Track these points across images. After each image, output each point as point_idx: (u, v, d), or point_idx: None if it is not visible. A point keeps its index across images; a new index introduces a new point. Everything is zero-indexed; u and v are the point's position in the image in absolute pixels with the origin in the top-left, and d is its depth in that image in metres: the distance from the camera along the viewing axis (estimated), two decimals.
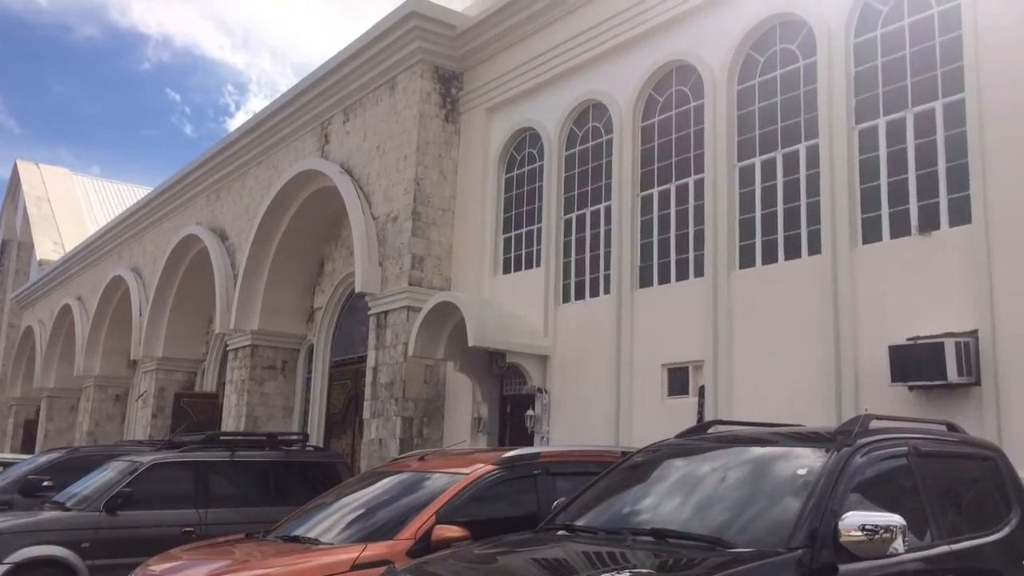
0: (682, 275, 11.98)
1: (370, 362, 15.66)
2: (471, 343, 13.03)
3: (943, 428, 5.76)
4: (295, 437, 12.37)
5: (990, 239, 8.67)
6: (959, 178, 9.14)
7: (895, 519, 4.15)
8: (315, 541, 6.47)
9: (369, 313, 15.91)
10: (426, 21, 15.51)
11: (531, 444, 12.76)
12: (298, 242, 19.78)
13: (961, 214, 9.08)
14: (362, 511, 6.79)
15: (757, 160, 11.28)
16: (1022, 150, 8.55)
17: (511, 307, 14.08)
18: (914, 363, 8.68)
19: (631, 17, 12.94)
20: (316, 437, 18.63)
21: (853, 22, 10.36)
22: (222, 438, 11.61)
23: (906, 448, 4.95)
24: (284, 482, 11.24)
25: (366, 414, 15.53)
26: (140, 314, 25.95)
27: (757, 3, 11.38)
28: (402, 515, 6.39)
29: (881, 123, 9.98)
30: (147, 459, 10.63)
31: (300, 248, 19.90)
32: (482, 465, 6.82)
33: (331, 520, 6.81)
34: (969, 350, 8.52)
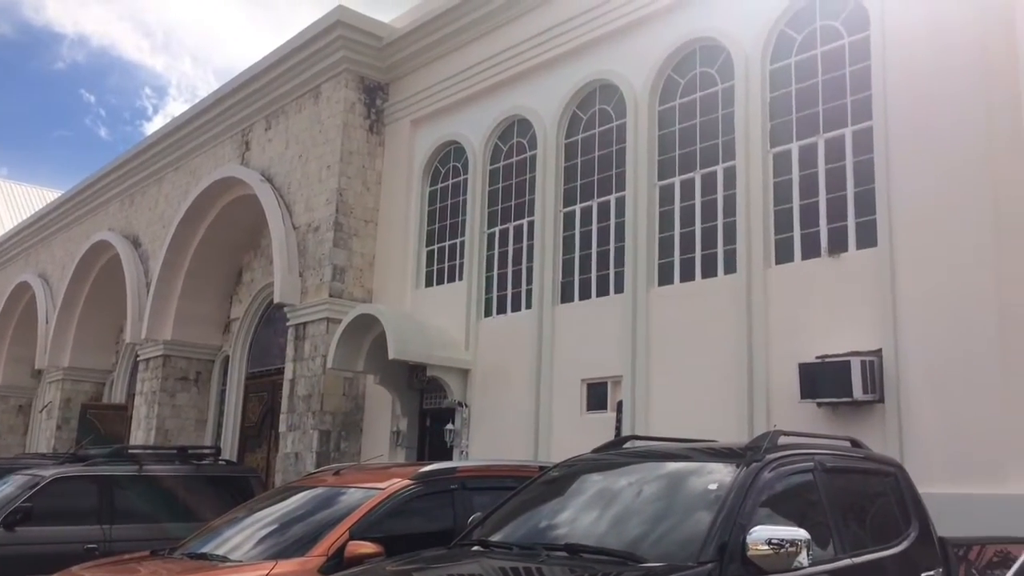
0: (602, 291, 12.12)
1: (288, 374, 15.38)
2: (391, 356, 12.93)
3: (847, 444, 5.95)
4: (207, 451, 12.02)
5: (894, 261, 9.02)
6: (866, 202, 9.49)
7: (800, 533, 4.26)
8: (223, 558, 6.29)
9: (288, 324, 15.64)
10: (352, 31, 15.41)
11: (450, 458, 12.70)
12: (215, 251, 19.33)
13: (868, 237, 9.42)
14: (273, 527, 6.63)
15: (676, 180, 11.51)
16: (924, 177, 8.93)
17: (433, 320, 14.03)
18: (822, 380, 8.96)
19: (557, 35, 13.10)
20: (229, 451, 18.19)
21: (769, 49, 10.69)
22: (130, 451, 11.23)
23: (812, 464, 5.09)
24: (194, 497, 10.90)
25: (282, 427, 15.23)
26: (46, 321, 24.96)
27: (679, 27, 11.65)
28: (315, 531, 6.27)
29: (794, 147, 10.31)
30: (49, 473, 10.19)
31: (217, 257, 19.45)
32: (398, 480, 6.74)
33: (241, 536, 6.64)
34: (873, 368, 8.83)
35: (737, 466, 4.80)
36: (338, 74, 15.79)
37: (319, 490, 6.95)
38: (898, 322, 8.89)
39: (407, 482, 6.69)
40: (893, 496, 5.57)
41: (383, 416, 14.64)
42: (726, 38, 11.07)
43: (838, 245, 9.71)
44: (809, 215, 10.05)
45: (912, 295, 8.84)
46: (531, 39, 13.44)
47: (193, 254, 19.25)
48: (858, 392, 8.73)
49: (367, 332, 13.64)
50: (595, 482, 5.37)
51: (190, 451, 11.66)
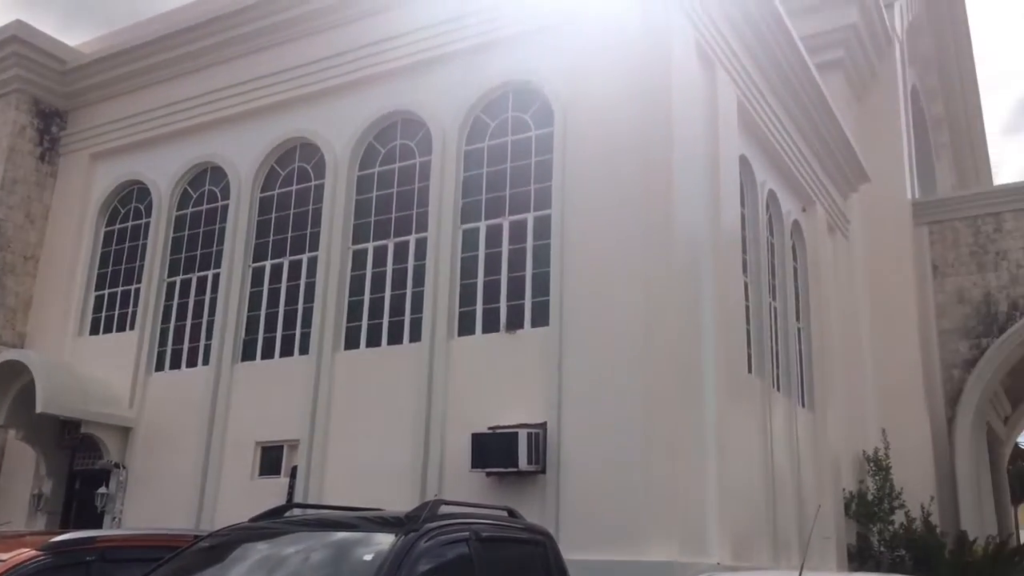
0: (287, 351, 11.79)
1: None
2: (39, 408, 11.58)
3: (504, 514, 6.19)
4: None
5: (563, 340, 9.70)
6: (542, 284, 10.16)
7: None
8: None
9: None
10: (29, 49, 14.03)
11: (100, 526, 11.51)
12: None
13: (542, 316, 10.06)
14: None
15: (370, 245, 11.60)
16: (590, 264, 9.73)
17: (95, 372, 12.79)
18: (491, 451, 9.32)
19: (259, 88, 12.82)
20: None
21: (465, 131, 11.22)
22: None
23: (468, 533, 5.22)
24: None
25: None
26: None
27: (383, 97, 11.88)
28: None
29: (482, 226, 10.83)
30: None
31: None
32: (24, 550, 5.94)
33: None
34: (538, 440, 9.35)
35: (395, 535, 4.79)
36: (8, 93, 14.24)
37: None
38: (562, 397, 9.51)
39: (34, 553, 5.91)
40: (541, 564, 5.85)
41: (23, 477, 12.98)
42: (427, 114, 11.47)
43: (516, 322, 10.26)
44: (492, 291, 10.55)
45: (575, 372, 9.52)
46: (232, 87, 13.03)
47: None
48: (523, 463, 9.17)
49: (13, 380, 12.12)
50: (250, 552, 5.10)
51: None
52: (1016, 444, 31.25)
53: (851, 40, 18.22)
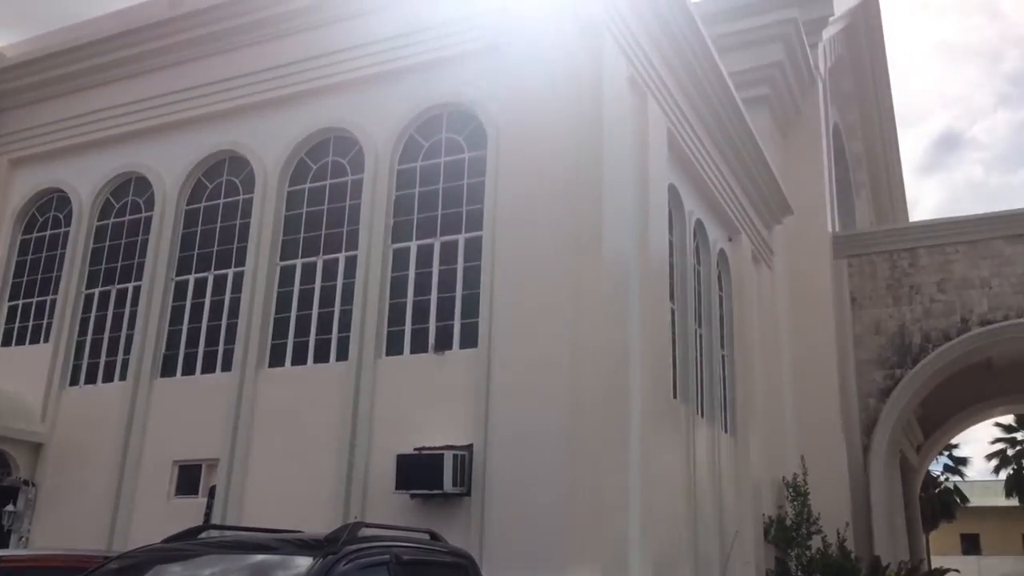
0: (209, 368, 11.52)
1: None
2: None
3: (427, 536, 6.15)
4: None
5: (490, 362, 9.68)
6: (472, 305, 10.15)
7: None
8: None
9: None
10: None
11: (6, 545, 11.03)
12: None
13: (470, 338, 10.04)
14: None
15: (299, 262, 11.45)
16: (519, 287, 9.73)
17: (5, 385, 12.31)
18: (416, 472, 9.23)
19: (185, 99, 12.59)
20: None
21: (399, 150, 11.19)
22: None
23: (388, 556, 5.17)
24: None
25: None
26: None
27: (315, 113, 11.78)
28: None
29: (413, 246, 10.79)
30: None
31: None
32: None
33: None
34: (464, 462, 9.30)
35: (314, 558, 4.72)
36: None
37: None
38: (489, 419, 9.49)
39: None
40: None
41: None
42: (360, 132, 11.41)
43: (444, 343, 10.22)
44: (421, 312, 10.50)
45: (502, 395, 9.51)
46: (160, 96, 12.76)
47: None
48: (448, 485, 9.11)
49: None
50: (161, 575, 4.95)
51: None
52: (928, 472, 32.42)
53: (776, 78, 18.80)
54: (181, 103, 12.70)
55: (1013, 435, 42.71)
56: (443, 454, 9.19)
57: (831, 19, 20.68)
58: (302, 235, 11.59)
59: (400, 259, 10.81)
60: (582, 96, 10.06)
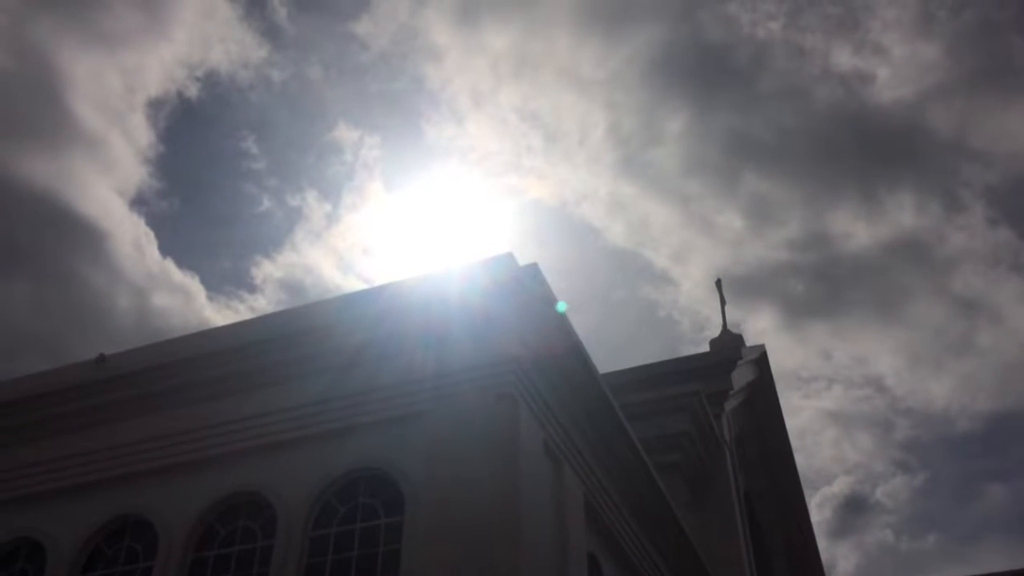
0: None
1: None
2: None
3: None
4: None
5: None
6: None
7: None
8: None
9: None
10: None
11: None
12: None
13: None
14: None
15: None
16: None
17: None
18: None
19: (88, 463, 12.30)
20: None
21: (314, 515, 10.91)
22: None
23: None
24: None
25: None
26: None
27: (226, 476, 11.52)
28: None
29: None
30: None
31: None
32: None
33: None
34: None
35: None
36: None
37: None
38: None
39: None
40: None
41: None
42: (273, 495, 11.17)
43: None
44: None
45: None
46: (60, 459, 12.47)
47: None
48: None
49: None
50: None
51: None
52: None
53: (686, 445, 19.55)
54: (80, 467, 12.35)
55: None
56: None
57: (731, 392, 22.11)
58: None
59: None
60: (498, 463, 10.21)
